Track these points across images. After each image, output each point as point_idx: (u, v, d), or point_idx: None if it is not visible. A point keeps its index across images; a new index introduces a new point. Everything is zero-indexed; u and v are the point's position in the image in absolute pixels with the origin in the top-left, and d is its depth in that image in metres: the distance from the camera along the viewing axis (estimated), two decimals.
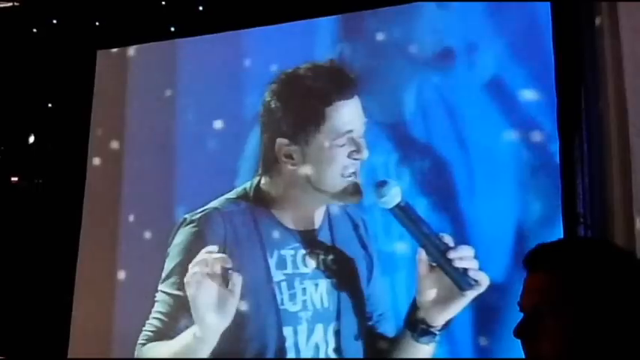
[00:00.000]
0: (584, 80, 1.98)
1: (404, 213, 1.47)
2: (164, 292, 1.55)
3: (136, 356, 1.50)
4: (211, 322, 1.40)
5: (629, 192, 1.84)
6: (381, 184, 1.49)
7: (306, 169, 1.59)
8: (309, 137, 1.59)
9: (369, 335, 1.62)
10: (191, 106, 2.58)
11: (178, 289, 1.52)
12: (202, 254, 1.42)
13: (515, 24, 2.05)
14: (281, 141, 1.61)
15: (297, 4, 2.33)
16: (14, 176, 3.17)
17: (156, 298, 1.56)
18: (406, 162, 1.99)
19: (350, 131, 1.60)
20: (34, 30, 3.05)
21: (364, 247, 1.71)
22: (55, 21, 3.01)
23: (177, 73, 2.66)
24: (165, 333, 1.48)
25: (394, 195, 1.47)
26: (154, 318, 1.53)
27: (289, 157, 1.60)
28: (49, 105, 3.09)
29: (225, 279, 1.40)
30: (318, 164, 1.58)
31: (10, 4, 3.04)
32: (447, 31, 2.14)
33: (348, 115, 1.62)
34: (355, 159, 1.59)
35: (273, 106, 1.66)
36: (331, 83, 1.64)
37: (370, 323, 1.63)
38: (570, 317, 0.82)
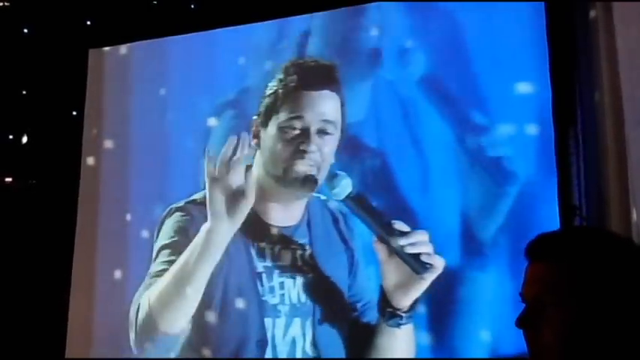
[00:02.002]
0: (579, 72, 2.00)
1: (355, 203, 1.49)
2: (159, 262, 1.52)
3: (131, 310, 1.47)
4: (224, 216, 1.38)
5: (625, 184, 1.85)
6: (332, 176, 1.51)
7: (262, 154, 1.59)
8: (268, 120, 1.59)
9: (350, 327, 1.63)
10: (184, 104, 2.58)
11: (172, 256, 1.50)
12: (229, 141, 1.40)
13: (506, 16, 2.06)
14: (254, 118, 1.62)
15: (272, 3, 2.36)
16: (8, 177, 3.15)
17: (149, 272, 1.53)
18: (357, 161, 2.04)
19: (300, 117, 1.59)
20: (25, 30, 3.02)
21: (344, 241, 1.72)
22: (45, 21, 2.99)
23: (169, 72, 2.65)
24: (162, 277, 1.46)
25: (345, 186, 1.49)
26: (152, 276, 1.50)
27: (256, 136, 1.60)
28: (42, 105, 3.07)
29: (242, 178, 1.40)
30: (269, 150, 1.59)
31: (1, 4, 3.01)
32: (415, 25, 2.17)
33: (298, 104, 1.61)
34: (302, 150, 1.58)
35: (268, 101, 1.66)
36: (313, 74, 1.64)
37: (355, 314, 1.64)
38: (572, 307, 0.82)
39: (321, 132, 1.56)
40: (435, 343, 1.96)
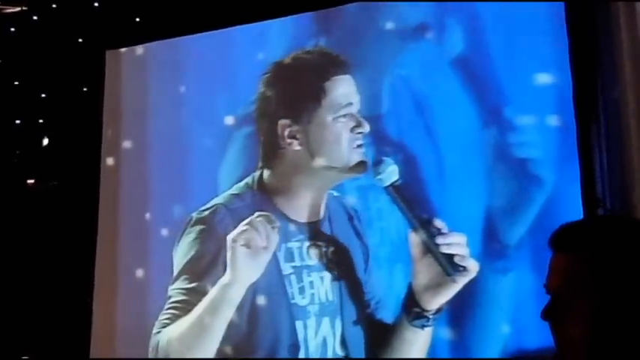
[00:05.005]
0: (600, 66, 1.97)
1: (399, 192, 1.46)
2: (177, 289, 1.53)
3: (151, 345, 1.48)
4: (244, 270, 1.39)
5: None
6: (378, 162, 1.49)
7: (311, 148, 1.58)
8: (310, 115, 1.58)
9: (370, 324, 1.62)
10: (202, 103, 2.58)
11: (192, 282, 1.51)
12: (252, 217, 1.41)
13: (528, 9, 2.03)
14: (283, 122, 1.60)
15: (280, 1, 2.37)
16: (30, 179, 3.19)
17: (169, 294, 1.54)
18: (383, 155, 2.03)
19: (350, 104, 1.59)
20: (43, 33, 3.06)
21: (359, 237, 1.71)
22: (62, 24, 3.02)
23: (186, 70, 2.66)
24: (182, 316, 1.47)
25: (391, 173, 1.46)
26: (170, 307, 1.51)
27: (293, 137, 1.59)
28: (61, 108, 3.11)
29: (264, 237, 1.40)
30: (322, 140, 1.57)
31: (19, 8, 3.05)
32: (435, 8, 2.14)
33: (346, 88, 1.61)
34: (359, 132, 1.58)
35: (268, 94, 1.65)
36: (326, 61, 1.64)
37: (369, 311, 1.63)
38: (597, 298, 0.80)
39: (358, 113, 1.57)
40: (455, 338, 1.95)
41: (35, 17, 3.03)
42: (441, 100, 2.10)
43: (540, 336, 1.84)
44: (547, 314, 0.84)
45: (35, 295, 3.00)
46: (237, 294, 1.42)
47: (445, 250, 1.41)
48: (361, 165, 1.56)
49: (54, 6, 2.99)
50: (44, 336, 2.96)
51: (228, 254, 1.40)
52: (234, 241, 1.40)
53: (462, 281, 1.44)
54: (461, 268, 1.42)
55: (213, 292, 1.43)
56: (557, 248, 0.86)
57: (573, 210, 1.88)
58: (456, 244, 1.42)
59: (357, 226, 1.73)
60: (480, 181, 2.02)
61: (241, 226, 1.43)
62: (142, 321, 2.47)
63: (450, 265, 1.42)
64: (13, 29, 3.08)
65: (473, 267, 1.44)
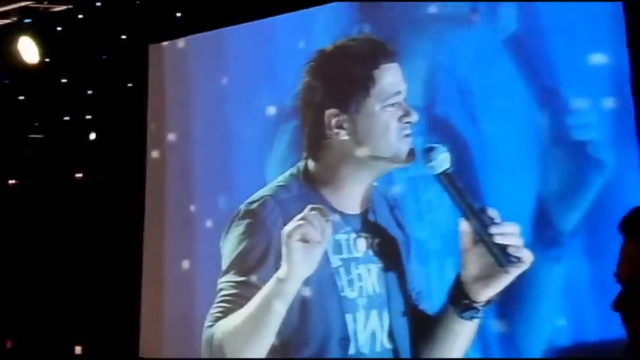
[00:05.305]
0: None
1: (450, 181, 1.41)
2: (227, 282, 1.52)
3: (204, 338, 1.48)
4: (300, 264, 1.36)
5: None
6: (429, 149, 1.43)
7: (359, 137, 1.54)
8: (359, 104, 1.54)
9: (414, 315, 1.58)
10: (243, 94, 2.58)
11: (242, 276, 1.49)
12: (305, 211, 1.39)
13: None
14: (330, 112, 1.55)
15: None
16: (78, 173, 3.27)
17: (219, 287, 1.53)
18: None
19: (398, 93, 1.54)
20: (88, 32, 3.12)
21: (400, 227, 1.66)
22: (106, 21, 3.07)
23: (227, 62, 2.66)
24: (235, 310, 1.46)
25: (442, 160, 1.41)
26: (221, 301, 1.49)
27: (340, 127, 1.55)
28: (107, 103, 3.17)
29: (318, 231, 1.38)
30: (370, 130, 1.53)
31: (65, 7, 3.12)
32: None
33: (395, 76, 1.56)
34: (407, 122, 1.52)
35: (314, 83, 1.62)
36: (374, 48, 1.59)
37: (412, 302, 1.59)
38: None
39: (406, 102, 1.53)
40: (505, 330, 1.90)
41: (80, 16, 3.09)
42: (491, 83, 2.04)
43: (600, 328, 1.77)
44: (618, 305, 0.79)
45: (86, 286, 3.09)
46: (292, 289, 1.39)
47: (499, 240, 1.35)
48: (410, 155, 1.51)
49: (98, 4, 3.04)
50: (95, 326, 3.04)
51: (284, 249, 1.38)
52: (289, 236, 1.38)
53: (515, 272, 1.39)
54: (515, 259, 1.36)
55: (267, 287, 1.41)
56: (628, 234, 0.81)
57: (633, 194, 1.79)
58: (510, 233, 1.36)
59: (398, 217, 1.68)
60: (533, 166, 1.95)
61: (296, 221, 1.41)
62: (189, 310, 2.51)
63: (503, 256, 1.36)
64: (59, 28, 3.15)
65: (527, 257, 1.38)
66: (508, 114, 2.00)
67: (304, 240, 1.35)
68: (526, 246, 1.39)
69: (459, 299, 1.44)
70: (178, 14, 2.90)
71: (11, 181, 3.48)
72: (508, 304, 1.85)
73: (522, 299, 1.89)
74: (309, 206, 1.39)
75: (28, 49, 3.06)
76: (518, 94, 2.00)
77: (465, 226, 1.39)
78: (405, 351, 1.54)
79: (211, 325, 1.46)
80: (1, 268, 3.36)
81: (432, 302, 1.60)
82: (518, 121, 1.99)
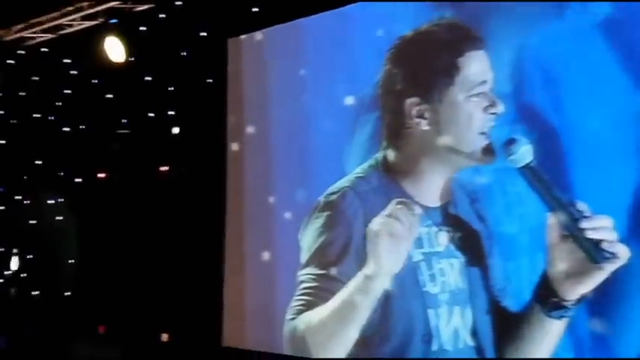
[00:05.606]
0: None
1: (534, 174, 1.31)
2: (308, 274, 1.50)
3: (287, 331, 1.47)
4: (388, 261, 1.32)
5: None
6: (510, 142, 1.34)
7: (440, 128, 1.47)
8: (442, 93, 1.46)
9: (497, 313, 1.49)
10: (321, 84, 2.56)
11: (323, 269, 1.46)
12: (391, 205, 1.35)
13: None
14: (411, 101, 1.48)
15: None
16: (162, 167, 3.39)
17: (299, 279, 1.51)
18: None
19: (484, 82, 1.45)
20: (169, 30, 3.21)
21: (483, 221, 1.57)
22: (186, 18, 3.14)
23: (305, 53, 2.65)
24: (317, 303, 1.44)
25: (524, 153, 1.32)
26: (302, 294, 1.47)
27: (421, 116, 1.47)
28: (188, 98, 3.25)
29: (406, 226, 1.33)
30: (453, 121, 1.45)
31: (147, 6, 3.22)
32: None
33: (481, 65, 1.46)
34: (492, 113, 1.43)
35: (394, 71, 1.55)
36: (458, 35, 1.49)
37: (494, 299, 1.50)
38: None
39: (492, 92, 1.44)
40: (598, 329, 1.80)
41: (162, 15, 3.18)
42: (583, 69, 1.91)
43: None
44: None
45: (171, 277, 3.19)
46: (380, 286, 1.35)
47: (591, 234, 1.26)
48: (490, 154, 1.42)
49: (178, 3, 3.12)
50: (181, 315, 3.14)
51: (370, 246, 1.34)
52: (376, 232, 1.34)
53: (609, 269, 1.28)
54: (609, 255, 1.26)
55: (353, 283, 1.38)
56: None
57: None
58: (602, 227, 1.26)
59: (479, 210, 1.60)
60: (630, 155, 1.81)
61: (382, 216, 1.36)
62: (270, 301, 2.53)
63: (596, 252, 1.26)
64: (142, 28, 3.27)
65: (623, 253, 1.27)
66: (601, 101, 1.87)
67: (391, 236, 1.31)
68: (621, 241, 1.29)
69: (547, 297, 1.36)
70: (255, 9, 2.92)
71: (100, 175, 3.66)
72: (602, 302, 1.73)
73: (618, 297, 1.78)
74: (395, 200, 1.34)
75: (114, 49, 3.19)
76: (614, 80, 1.86)
77: (552, 221, 1.31)
78: (489, 349, 1.47)
79: (294, 318, 1.45)
80: (94, 259, 3.55)
81: (516, 299, 1.52)
82: (613, 109, 1.86)
